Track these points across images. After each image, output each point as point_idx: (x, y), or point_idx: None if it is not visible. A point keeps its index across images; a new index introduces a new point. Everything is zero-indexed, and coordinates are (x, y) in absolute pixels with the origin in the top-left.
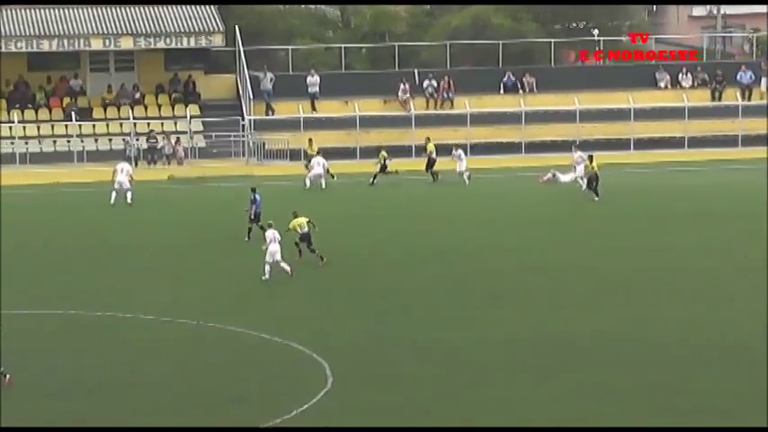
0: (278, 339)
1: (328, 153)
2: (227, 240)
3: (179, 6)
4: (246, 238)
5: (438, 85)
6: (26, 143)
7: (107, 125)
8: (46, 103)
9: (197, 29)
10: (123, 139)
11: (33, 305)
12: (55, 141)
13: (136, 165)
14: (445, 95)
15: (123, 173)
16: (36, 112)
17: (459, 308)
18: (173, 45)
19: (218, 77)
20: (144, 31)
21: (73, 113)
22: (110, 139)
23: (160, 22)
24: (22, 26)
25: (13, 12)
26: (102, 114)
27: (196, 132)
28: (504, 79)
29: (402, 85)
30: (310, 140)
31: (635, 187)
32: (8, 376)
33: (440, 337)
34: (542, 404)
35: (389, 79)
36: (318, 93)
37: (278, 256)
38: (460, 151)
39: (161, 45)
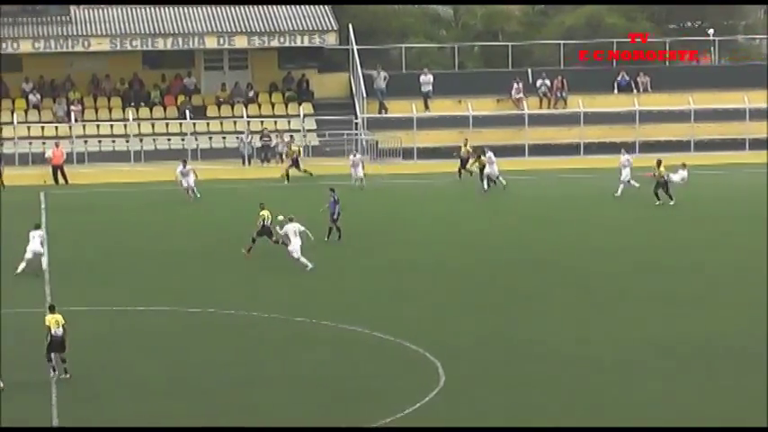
0: (390, 338)
1: (441, 152)
2: (336, 239)
3: (293, 5)
4: (326, 238)
5: (551, 84)
6: (141, 141)
7: (221, 123)
8: (160, 101)
9: (311, 27)
10: (237, 138)
11: (153, 302)
12: (169, 139)
13: (249, 163)
14: (558, 95)
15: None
16: (151, 111)
17: (572, 308)
18: (286, 44)
19: (332, 76)
20: (258, 30)
21: (187, 112)
22: (223, 138)
23: (274, 20)
24: (137, 24)
25: (129, 10)
26: (215, 113)
27: (309, 131)
28: (618, 79)
29: (515, 85)
30: (288, 143)
31: (753, 188)
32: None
33: (553, 338)
34: (655, 405)
35: (502, 78)
36: (431, 92)
37: (298, 252)
38: (490, 154)
39: (275, 44)
